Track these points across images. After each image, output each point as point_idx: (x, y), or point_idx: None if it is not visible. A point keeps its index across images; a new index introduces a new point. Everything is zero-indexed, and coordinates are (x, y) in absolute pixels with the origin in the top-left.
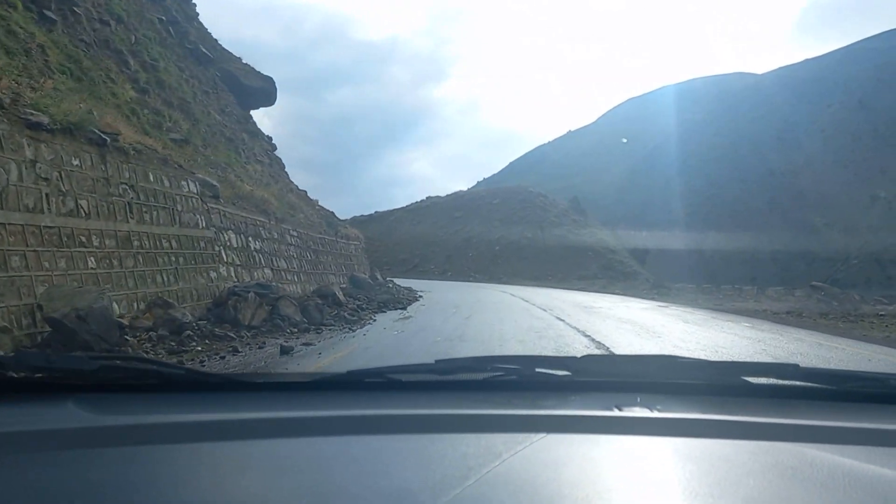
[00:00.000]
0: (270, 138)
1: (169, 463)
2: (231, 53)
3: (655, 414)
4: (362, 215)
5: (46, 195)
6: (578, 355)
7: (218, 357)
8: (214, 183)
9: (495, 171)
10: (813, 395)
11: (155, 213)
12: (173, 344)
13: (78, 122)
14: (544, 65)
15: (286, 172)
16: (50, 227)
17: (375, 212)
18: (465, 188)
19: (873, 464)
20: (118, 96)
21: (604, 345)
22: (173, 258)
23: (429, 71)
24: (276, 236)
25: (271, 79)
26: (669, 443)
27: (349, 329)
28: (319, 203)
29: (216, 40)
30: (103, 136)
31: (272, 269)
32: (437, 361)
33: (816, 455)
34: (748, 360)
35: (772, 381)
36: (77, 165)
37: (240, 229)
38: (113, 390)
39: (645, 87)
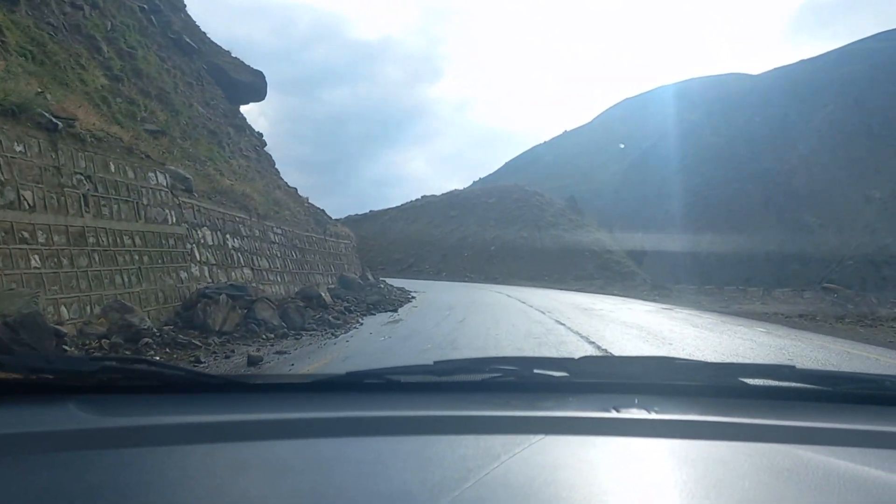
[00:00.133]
0: (261, 134)
1: (169, 464)
2: (220, 47)
3: (653, 415)
4: (356, 214)
5: None
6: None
7: None
8: (188, 176)
9: (491, 171)
10: (809, 397)
11: (115, 206)
12: (127, 353)
13: (23, 104)
14: (540, 64)
15: (276, 169)
16: None
17: (370, 211)
18: (460, 188)
19: (869, 466)
20: (87, 83)
21: (611, 353)
22: (136, 256)
23: (423, 70)
24: (257, 234)
25: (261, 73)
26: (667, 444)
27: (332, 334)
28: (309, 201)
29: (205, 34)
30: (55, 120)
31: (252, 269)
32: (435, 363)
33: (812, 457)
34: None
35: (769, 382)
36: (20, 152)
37: (216, 226)
38: (113, 391)
39: (641, 88)
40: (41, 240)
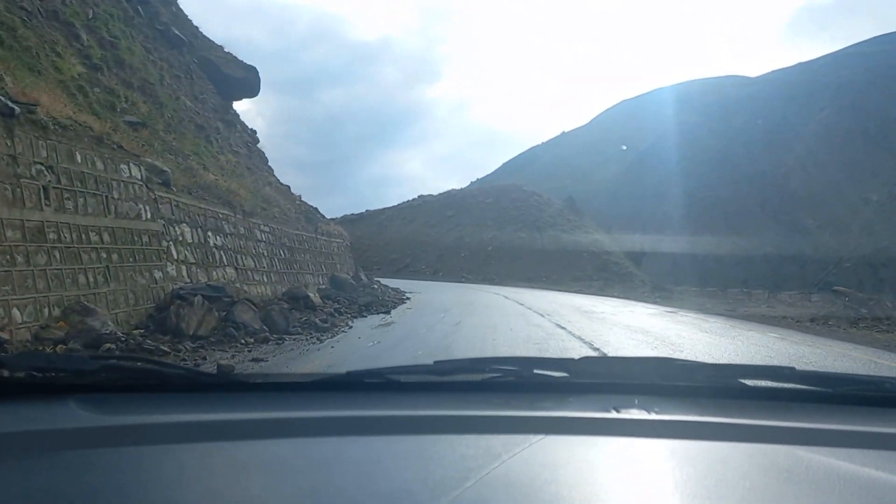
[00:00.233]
0: (254, 131)
1: (169, 463)
2: (212, 41)
3: (653, 416)
4: (352, 214)
5: None
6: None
7: None
8: (165, 168)
9: (489, 172)
10: (809, 398)
11: (81, 200)
12: None
13: None
14: (537, 65)
15: (269, 167)
16: None
17: (366, 210)
18: (458, 188)
19: (868, 467)
20: (63, 71)
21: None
22: (104, 254)
23: (421, 71)
24: (242, 231)
25: (254, 68)
26: (667, 445)
27: (317, 339)
28: (302, 199)
29: (197, 28)
30: (11, 105)
31: (236, 269)
32: (435, 362)
33: (812, 458)
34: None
35: (768, 383)
36: None
37: (196, 222)
38: (114, 390)
39: (638, 89)
40: None
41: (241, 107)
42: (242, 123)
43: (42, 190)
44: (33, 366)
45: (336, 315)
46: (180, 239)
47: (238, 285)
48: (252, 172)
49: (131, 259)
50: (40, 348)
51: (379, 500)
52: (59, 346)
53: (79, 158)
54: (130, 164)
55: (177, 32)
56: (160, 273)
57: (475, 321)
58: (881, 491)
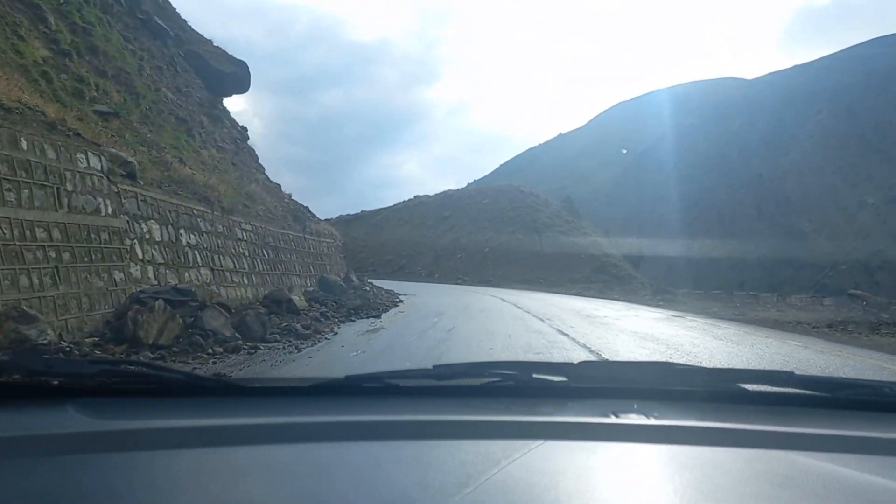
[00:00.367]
0: (245, 128)
1: (167, 468)
2: (201, 35)
3: (652, 421)
4: (347, 214)
5: None
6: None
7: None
8: (130, 160)
9: (486, 174)
10: (808, 403)
11: (26, 191)
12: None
13: None
14: (535, 67)
15: (260, 165)
16: None
17: (361, 211)
18: (454, 189)
19: (867, 472)
20: (24, 55)
21: None
22: (53, 253)
23: (419, 72)
24: (221, 230)
25: (244, 64)
26: (666, 450)
27: (295, 347)
28: (292, 197)
29: (185, 21)
30: None
31: (212, 269)
32: (434, 367)
33: (811, 463)
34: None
35: (767, 388)
36: None
37: (167, 219)
38: (112, 394)
39: (636, 91)
40: None
41: (237, 106)
42: (232, 120)
43: None
44: (31, 369)
45: (321, 320)
46: (147, 237)
47: (214, 288)
48: (238, 169)
49: (86, 259)
50: None
51: None
52: None
53: (24, 145)
54: (89, 153)
55: (160, 23)
56: (121, 274)
57: (470, 327)
58: (880, 497)
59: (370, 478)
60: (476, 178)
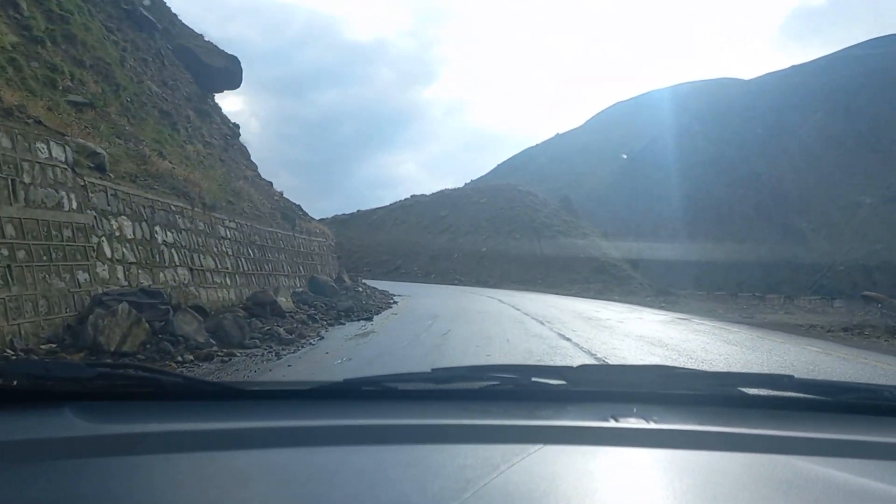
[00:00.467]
0: (237, 125)
1: (166, 472)
2: (191, 29)
3: (651, 425)
4: (343, 214)
5: None
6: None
7: None
8: (99, 151)
9: (483, 173)
10: (808, 407)
11: None
12: None
13: None
14: (532, 66)
15: (252, 162)
16: None
17: (357, 210)
18: (451, 188)
19: (867, 477)
20: None
21: None
22: (5, 251)
23: (416, 72)
24: (202, 227)
25: (236, 58)
26: (665, 454)
27: (275, 354)
28: (284, 195)
29: (175, 15)
30: None
31: (191, 269)
32: (433, 370)
33: (811, 468)
34: None
35: (767, 392)
36: None
37: (141, 215)
38: (110, 398)
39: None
40: None
41: (234, 106)
42: (223, 116)
43: None
44: (29, 373)
45: (308, 323)
46: (117, 234)
47: (192, 289)
48: (225, 165)
49: (45, 257)
50: None
51: None
52: None
53: None
54: (52, 142)
55: (146, 14)
56: (86, 275)
57: (467, 331)
58: (880, 501)
59: (368, 482)
60: (473, 178)
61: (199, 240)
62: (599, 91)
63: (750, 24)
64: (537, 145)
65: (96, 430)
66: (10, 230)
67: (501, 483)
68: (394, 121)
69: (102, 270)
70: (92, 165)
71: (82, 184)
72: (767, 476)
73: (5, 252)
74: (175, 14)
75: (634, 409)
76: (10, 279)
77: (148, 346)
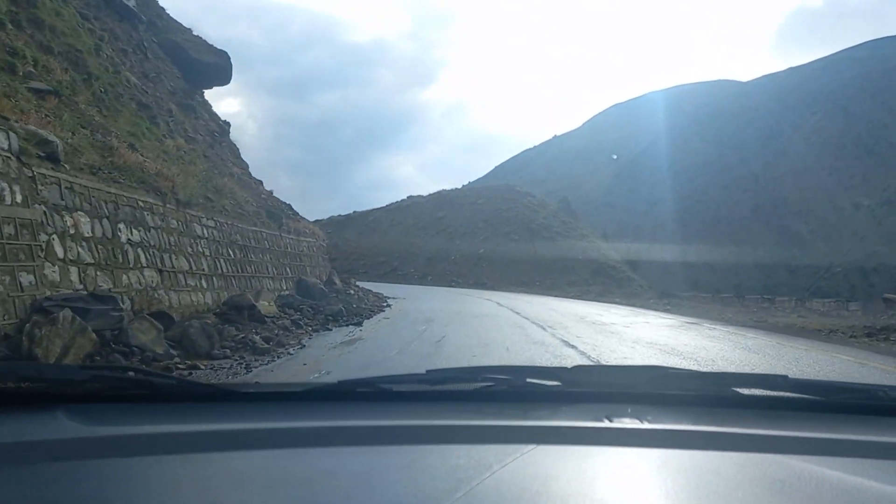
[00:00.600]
0: (227, 123)
1: (159, 474)
2: (179, 23)
3: (646, 425)
4: (339, 215)
5: None
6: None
7: None
8: (52, 139)
9: (480, 175)
10: (802, 407)
11: None
12: None
13: None
14: (530, 69)
15: (243, 161)
16: None
17: (353, 212)
18: (448, 189)
19: (861, 476)
20: None
21: None
22: None
23: (415, 74)
24: (175, 225)
25: (226, 53)
26: (659, 454)
27: (245, 367)
28: (273, 194)
29: (163, 8)
30: None
31: (160, 271)
32: (427, 372)
33: (805, 467)
34: None
35: (762, 392)
36: None
37: (101, 211)
38: (103, 401)
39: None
40: None
41: (232, 108)
42: (212, 113)
43: None
44: (21, 376)
45: (291, 329)
46: (71, 232)
47: (162, 292)
48: (209, 161)
49: None
50: None
51: None
52: None
53: None
54: None
55: (126, 4)
56: (31, 277)
57: (462, 337)
58: (873, 501)
59: (362, 483)
60: (471, 181)
61: (172, 239)
62: (597, 93)
63: (747, 26)
64: (535, 147)
65: (89, 433)
66: None
67: (494, 483)
68: (392, 123)
69: (52, 272)
70: (42, 155)
71: (30, 175)
72: (761, 475)
73: None
74: (163, 7)
75: (629, 410)
76: None
77: (96, 357)
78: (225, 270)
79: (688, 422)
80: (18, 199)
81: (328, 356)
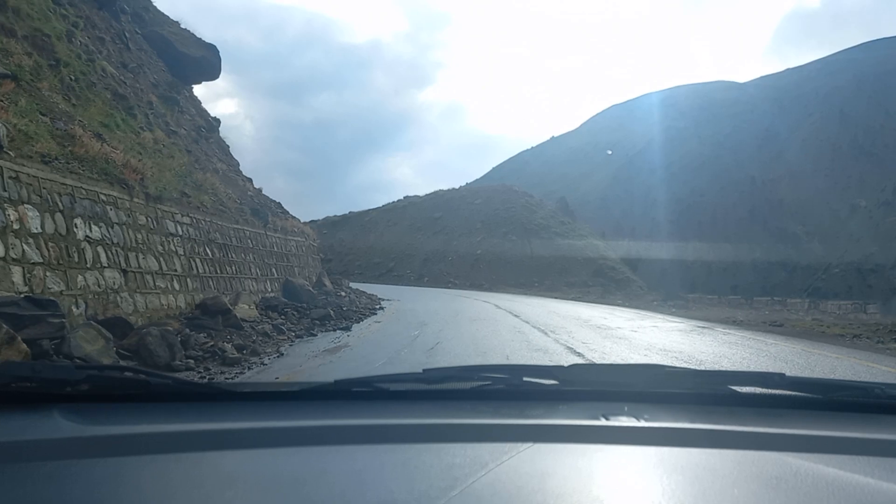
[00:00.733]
0: (217, 120)
1: (155, 474)
2: (167, 17)
3: (642, 423)
4: (335, 216)
5: None
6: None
7: None
8: None
9: (478, 177)
10: (799, 405)
11: None
12: None
13: None
14: (528, 71)
15: (232, 158)
16: None
17: (349, 212)
18: (445, 189)
19: (857, 473)
20: None
21: None
22: None
23: (412, 76)
24: (142, 221)
25: (214, 47)
26: (656, 452)
27: (209, 381)
28: (263, 192)
29: (149, 1)
30: None
31: (124, 272)
32: (424, 370)
33: (801, 465)
34: None
35: (758, 390)
36: None
37: (54, 205)
38: (98, 400)
39: (628, 95)
40: None
41: (228, 109)
42: (201, 108)
43: None
44: (16, 375)
45: (271, 336)
46: (15, 227)
47: (125, 295)
48: (192, 155)
49: None
50: None
51: None
52: None
53: None
54: None
55: None
56: None
57: (458, 344)
58: (870, 498)
59: (356, 482)
60: (468, 182)
61: (139, 236)
62: (594, 94)
63: (745, 28)
64: (532, 148)
65: (84, 432)
66: None
67: (490, 481)
68: (389, 124)
69: None
70: None
71: None
72: (758, 473)
73: None
74: (149, 0)
75: (625, 408)
76: None
77: None
78: (201, 271)
79: (685, 420)
80: None
81: (307, 367)
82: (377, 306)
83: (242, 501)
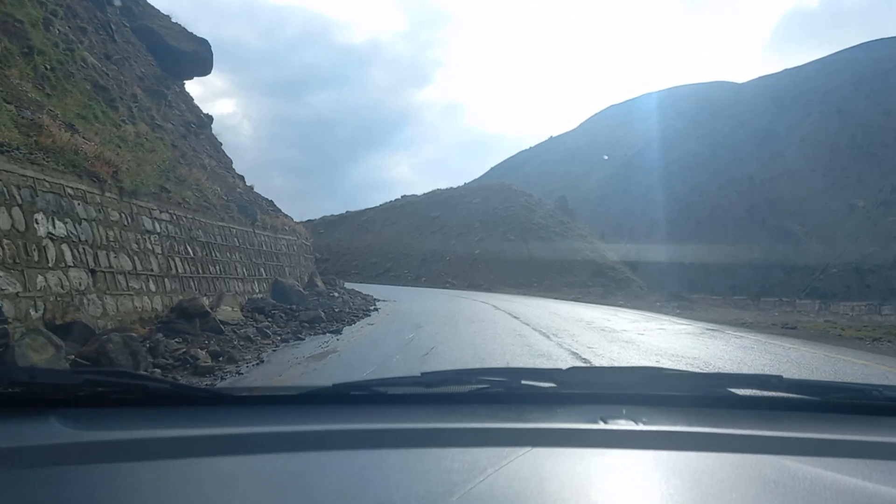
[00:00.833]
0: (210, 116)
1: (153, 478)
2: (158, 10)
3: (640, 426)
4: (331, 215)
5: None
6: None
7: None
8: None
9: (476, 176)
10: (797, 407)
11: None
12: None
13: None
14: (527, 70)
15: (225, 155)
16: None
17: (346, 211)
18: (443, 188)
19: (856, 476)
20: None
21: None
22: None
23: (410, 75)
24: (115, 218)
25: (206, 42)
26: (654, 456)
27: None
28: (255, 189)
29: None
30: None
31: (92, 271)
32: (422, 374)
33: (799, 468)
34: None
35: (757, 392)
36: None
37: (12, 199)
38: (96, 405)
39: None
40: None
41: (227, 108)
42: (192, 104)
43: None
44: (13, 380)
45: (253, 340)
46: None
47: (93, 297)
48: (178, 150)
49: None
50: None
51: None
52: None
53: None
54: None
55: None
56: None
57: (454, 348)
58: (869, 500)
59: (355, 487)
60: (467, 181)
61: (111, 233)
62: (593, 94)
63: (743, 27)
64: (531, 148)
65: (82, 437)
66: None
67: (488, 486)
68: (388, 123)
69: None
70: None
71: None
72: (756, 476)
73: None
74: None
75: (624, 411)
76: None
77: None
78: (181, 271)
79: (683, 423)
80: None
81: (287, 376)
82: (371, 307)
83: None
